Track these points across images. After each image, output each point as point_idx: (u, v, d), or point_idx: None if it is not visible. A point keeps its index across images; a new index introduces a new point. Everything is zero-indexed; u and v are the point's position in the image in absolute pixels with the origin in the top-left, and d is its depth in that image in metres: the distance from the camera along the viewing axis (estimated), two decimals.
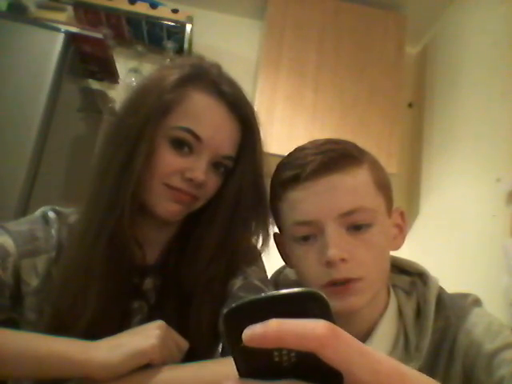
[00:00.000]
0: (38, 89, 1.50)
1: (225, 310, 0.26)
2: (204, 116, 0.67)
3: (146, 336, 0.55)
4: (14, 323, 0.67)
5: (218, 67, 0.73)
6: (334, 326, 0.24)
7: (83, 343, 0.54)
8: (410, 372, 0.27)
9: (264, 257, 0.76)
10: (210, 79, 0.69)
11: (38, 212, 0.73)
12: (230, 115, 0.69)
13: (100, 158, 0.69)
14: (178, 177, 0.66)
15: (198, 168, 0.66)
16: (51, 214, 0.71)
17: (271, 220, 0.73)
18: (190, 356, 0.60)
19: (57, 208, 0.74)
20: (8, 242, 0.64)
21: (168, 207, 0.67)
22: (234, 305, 0.26)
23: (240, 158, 0.71)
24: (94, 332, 0.57)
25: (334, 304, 0.59)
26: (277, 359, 0.25)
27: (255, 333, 0.24)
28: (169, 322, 0.59)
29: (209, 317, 0.66)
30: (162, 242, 0.75)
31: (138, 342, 0.54)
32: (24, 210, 1.41)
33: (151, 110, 0.65)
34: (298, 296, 0.25)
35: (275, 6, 2.07)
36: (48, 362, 0.52)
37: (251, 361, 0.26)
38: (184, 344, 0.60)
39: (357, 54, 2.06)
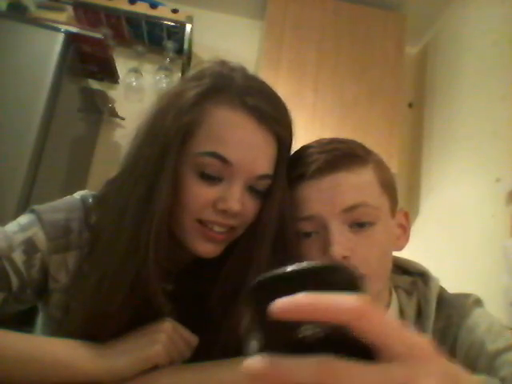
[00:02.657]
0: (38, 89, 1.50)
1: (250, 284, 0.25)
2: (230, 134, 0.58)
3: (151, 341, 0.54)
4: (34, 309, 0.66)
5: (242, 71, 0.64)
6: (369, 299, 0.24)
7: (88, 349, 0.54)
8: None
9: None
10: (234, 89, 0.60)
11: (78, 196, 0.66)
12: (260, 127, 0.59)
13: (117, 195, 0.60)
14: (211, 209, 0.58)
15: (231, 197, 0.57)
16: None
17: None
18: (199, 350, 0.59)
19: (97, 196, 0.67)
20: (39, 235, 0.60)
21: (202, 248, 0.60)
22: (259, 279, 0.25)
23: (276, 173, 0.62)
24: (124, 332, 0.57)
25: None
26: (301, 335, 0.24)
27: (288, 305, 0.23)
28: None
29: (236, 346, 0.55)
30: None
31: (143, 347, 0.54)
32: (24, 210, 1.40)
33: (169, 137, 0.57)
34: (324, 269, 0.25)
35: (275, 6, 2.07)
36: (53, 369, 0.52)
37: (275, 337, 0.25)
38: (193, 340, 0.59)
39: (357, 54, 2.06)
